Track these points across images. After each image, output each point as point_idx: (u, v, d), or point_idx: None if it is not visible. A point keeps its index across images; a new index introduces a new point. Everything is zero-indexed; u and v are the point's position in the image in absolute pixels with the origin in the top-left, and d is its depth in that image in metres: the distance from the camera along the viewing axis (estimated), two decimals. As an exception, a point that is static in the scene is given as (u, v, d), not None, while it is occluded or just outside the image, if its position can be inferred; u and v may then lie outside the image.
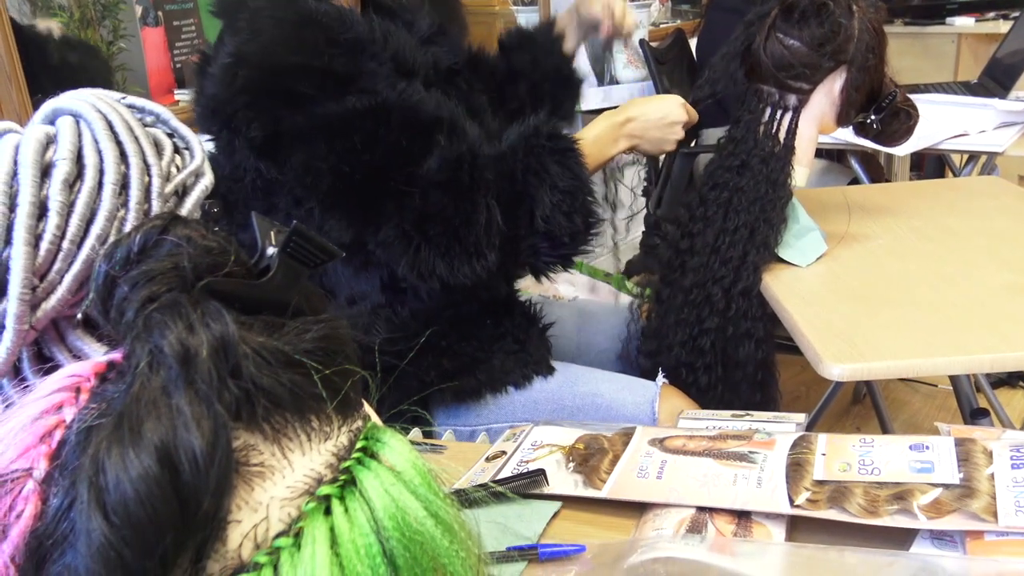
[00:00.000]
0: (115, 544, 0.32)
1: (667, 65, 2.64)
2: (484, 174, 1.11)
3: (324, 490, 0.37)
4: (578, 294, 2.09)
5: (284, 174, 1.10)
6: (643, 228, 3.11)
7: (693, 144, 1.46)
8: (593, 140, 1.23)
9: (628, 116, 1.26)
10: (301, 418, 0.38)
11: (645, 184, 2.90)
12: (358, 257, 1.19)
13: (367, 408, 0.42)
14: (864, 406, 2.43)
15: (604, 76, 3.12)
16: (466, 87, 1.32)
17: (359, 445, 0.39)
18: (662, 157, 1.74)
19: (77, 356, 0.57)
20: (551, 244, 1.15)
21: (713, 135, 1.54)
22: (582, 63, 3.06)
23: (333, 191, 1.08)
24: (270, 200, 1.15)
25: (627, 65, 3.06)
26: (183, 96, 2.00)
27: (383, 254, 1.14)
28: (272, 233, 0.43)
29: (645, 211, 2.97)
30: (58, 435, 0.36)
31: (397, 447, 0.40)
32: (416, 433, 1.08)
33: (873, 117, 1.32)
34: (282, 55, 1.06)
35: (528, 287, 1.78)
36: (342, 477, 0.38)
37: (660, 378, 1.30)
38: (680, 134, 1.30)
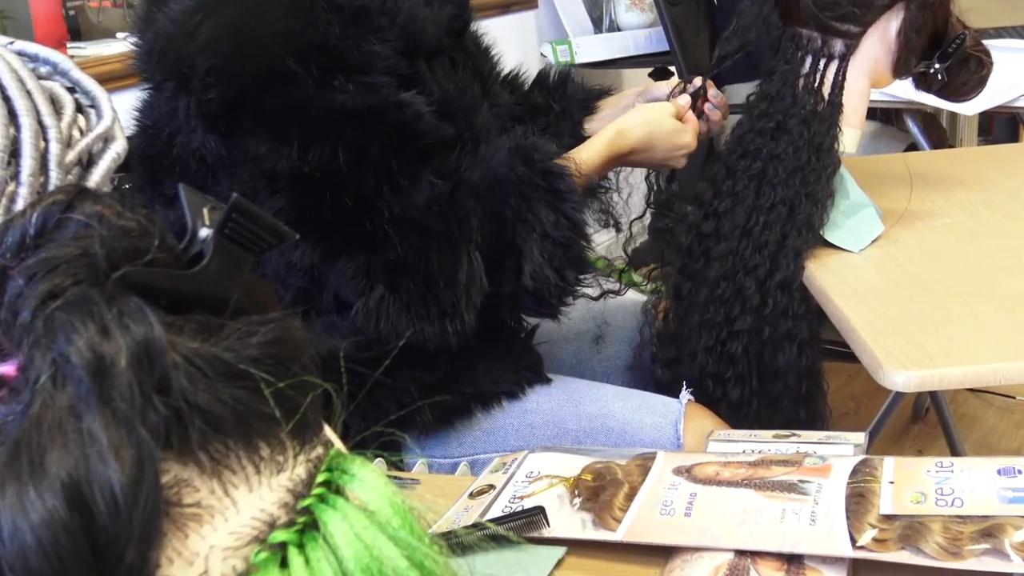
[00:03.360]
0: (12, 609, 0.31)
1: (680, 7, 2.64)
2: (470, 220, 1.13)
3: (278, 536, 0.37)
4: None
5: (234, 158, 1.10)
6: (650, 207, 3.12)
7: None
8: (589, 172, 1.28)
9: (632, 147, 1.32)
10: (247, 444, 0.37)
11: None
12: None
13: (329, 432, 0.42)
14: (927, 424, 2.45)
15: (603, 22, 3.12)
16: (474, 49, 1.34)
17: (321, 478, 0.39)
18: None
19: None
20: (537, 300, 1.19)
21: (740, 92, 1.55)
22: (576, 9, 3.07)
23: (291, 196, 1.09)
24: (210, 186, 1.15)
25: (630, 8, 3.07)
26: (79, 50, 1.98)
27: (333, 278, 1.15)
28: (206, 210, 0.42)
29: (654, 187, 2.98)
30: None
31: (369, 480, 0.39)
32: (380, 465, 1.07)
33: (937, 66, 1.33)
34: (265, 13, 1.06)
35: None
36: (300, 519, 0.38)
37: (685, 394, 1.30)
38: (687, 152, 1.37)
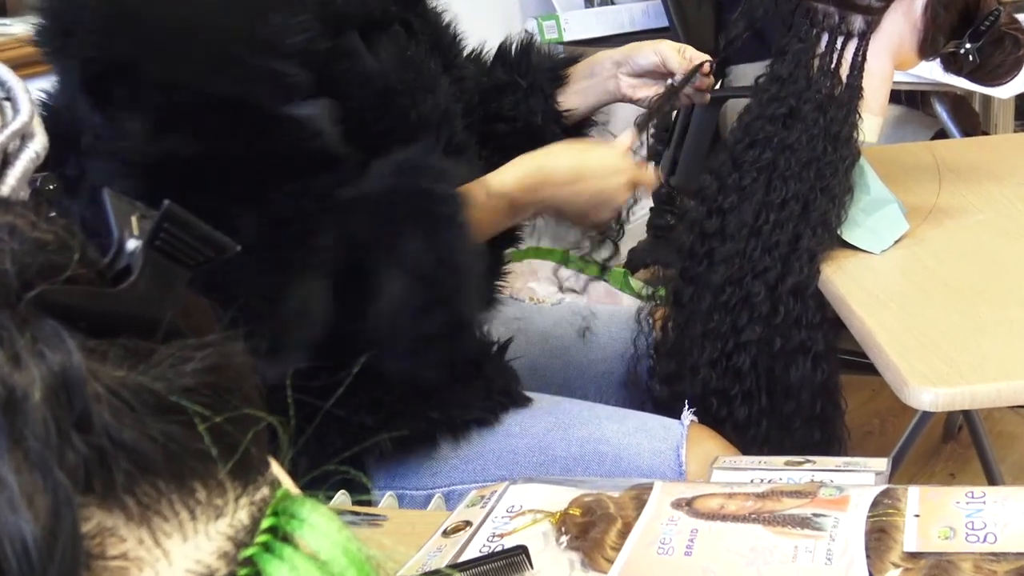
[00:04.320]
0: None
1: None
2: (319, 244, 1.08)
3: (217, 591, 0.37)
4: (564, 296, 2.09)
5: (99, 132, 1.08)
6: (650, 203, 3.13)
7: (719, 85, 1.46)
8: (497, 203, 1.21)
9: (554, 180, 1.25)
10: (180, 487, 0.37)
11: (652, 141, 2.90)
12: None
13: (277, 470, 0.42)
14: (960, 444, 2.46)
15: (594, -8, 3.12)
16: (434, 17, 1.33)
17: (266, 524, 0.39)
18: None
19: None
20: (390, 350, 1.13)
21: (748, 74, 1.56)
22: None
23: (140, 185, 1.06)
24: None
25: (625, -23, 3.07)
26: (5, 27, 1.97)
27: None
28: (134, 219, 0.42)
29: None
30: None
31: (320, 525, 0.39)
32: (342, 499, 1.07)
33: (968, 46, 1.34)
34: None
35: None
36: (242, 572, 0.37)
37: (687, 414, 1.30)
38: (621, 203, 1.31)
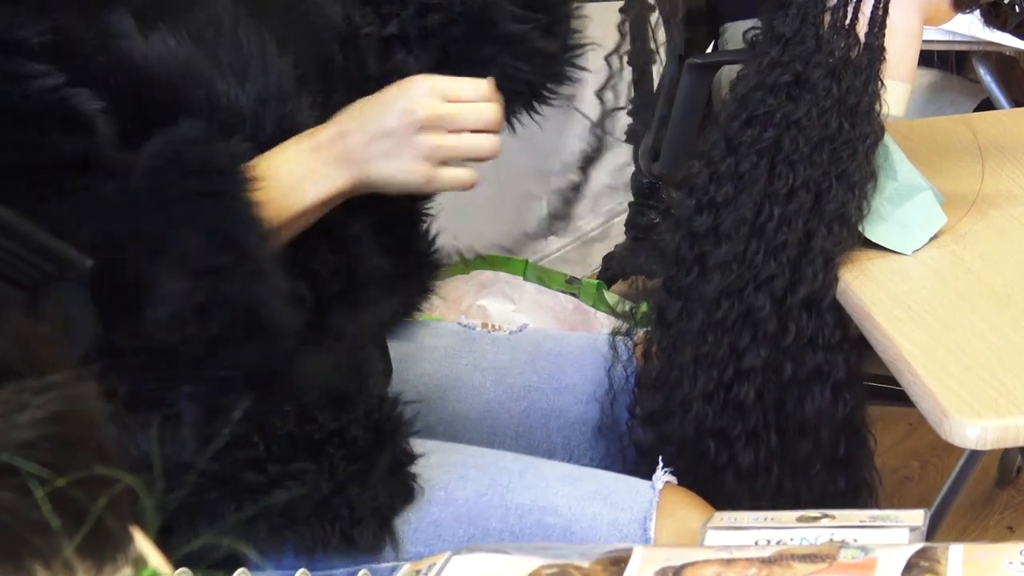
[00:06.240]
0: None
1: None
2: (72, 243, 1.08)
3: None
4: (527, 320, 2.08)
5: None
6: (629, 197, 3.10)
7: (711, 48, 1.46)
8: (278, 175, 1.19)
9: (340, 129, 1.24)
10: (16, 568, 0.37)
11: (631, 121, 2.88)
12: None
13: (141, 543, 0.42)
14: (1018, 488, 2.46)
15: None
16: None
17: None
18: (657, 74, 1.72)
19: None
20: (168, 362, 1.13)
21: (741, 34, 1.55)
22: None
23: None
24: None
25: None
26: None
27: None
28: None
29: (632, 167, 2.97)
30: None
31: None
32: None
33: (1013, -6, 1.35)
34: None
35: (438, 310, 1.75)
36: None
37: (660, 475, 1.30)
38: (440, 143, 1.24)
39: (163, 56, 1.16)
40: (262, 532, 1.22)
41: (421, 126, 1.22)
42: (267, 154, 1.19)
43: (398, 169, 1.23)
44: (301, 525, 1.22)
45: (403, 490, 1.28)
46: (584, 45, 1.45)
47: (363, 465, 1.25)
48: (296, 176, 1.20)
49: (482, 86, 1.25)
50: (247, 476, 1.20)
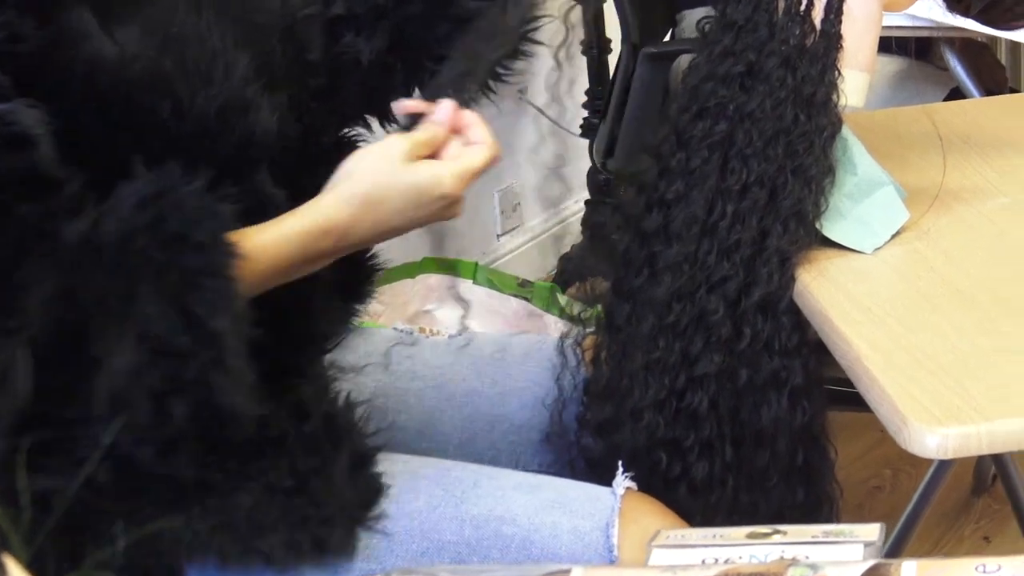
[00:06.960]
0: None
1: None
2: (24, 301, 1.06)
3: None
4: (471, 322, 2.07)
5: None
6: (586, 195, 3.11)
7: (668, 36, 1.44)
8: (265, 252, 1.17)
9: (353, 220, 1.21)
10: None
11: (586, 115, 2.90)
12: None
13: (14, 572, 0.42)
14: (994, 497, 2.47)
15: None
16: None
17: None
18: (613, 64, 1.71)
19: None
20: (125, 438, 1.10)
21: (694, 22, 1.55)
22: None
23: None
24: None
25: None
26: None
27: None
28: None
29: (590, 164, 2.97)
30: None
31: None
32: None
33: (975, -24, 1.37)
34: None
35: (379, 317, 1.77)
36: None
37: (621, 480, 1.30)
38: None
39: (130, 55, 1.14)
40: (231, 544, 1.23)
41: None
42: (260, 227, 1.18)
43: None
44: (269, 532, 1.22)
45: (368, 487, 1.28)
46: (540, 17, 1.45)
47: (322, 459, 1.25)
48: (285, 255, 1.19)
49: (493, 148, 1.25)
50: (207, 476, 1.20)
